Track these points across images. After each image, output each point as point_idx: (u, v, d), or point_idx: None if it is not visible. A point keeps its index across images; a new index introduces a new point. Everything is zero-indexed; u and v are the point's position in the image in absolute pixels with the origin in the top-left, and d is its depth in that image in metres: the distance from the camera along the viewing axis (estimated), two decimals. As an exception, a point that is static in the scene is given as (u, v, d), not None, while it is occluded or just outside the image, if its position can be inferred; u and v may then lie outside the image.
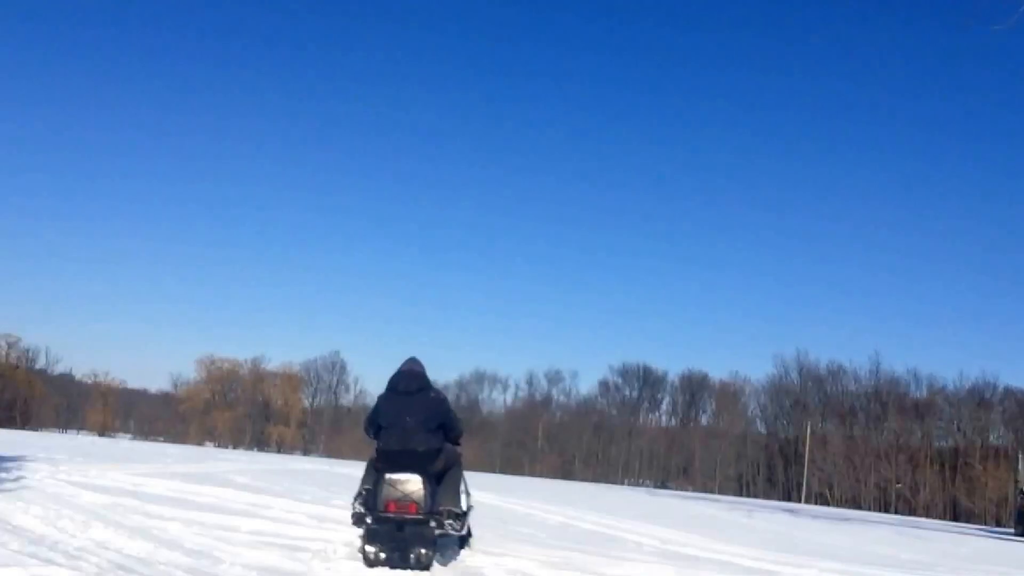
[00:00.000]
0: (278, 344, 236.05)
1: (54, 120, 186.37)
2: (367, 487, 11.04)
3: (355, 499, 11.06)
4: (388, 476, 10.81)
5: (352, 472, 41.50)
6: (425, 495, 10.70)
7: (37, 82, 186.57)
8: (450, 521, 10.89)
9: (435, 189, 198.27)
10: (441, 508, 10.90)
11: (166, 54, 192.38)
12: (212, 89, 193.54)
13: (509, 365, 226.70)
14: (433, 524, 10.68)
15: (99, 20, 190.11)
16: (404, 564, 10.47)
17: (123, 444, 65.91)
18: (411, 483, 10.70)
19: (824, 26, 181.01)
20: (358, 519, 10.84)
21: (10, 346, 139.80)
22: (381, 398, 11.82)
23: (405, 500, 10.58)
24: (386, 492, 10.67)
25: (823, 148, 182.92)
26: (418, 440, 11.11)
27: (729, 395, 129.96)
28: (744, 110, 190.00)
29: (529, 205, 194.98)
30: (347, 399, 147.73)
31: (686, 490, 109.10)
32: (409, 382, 11.70)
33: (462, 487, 11.71)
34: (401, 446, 11.09)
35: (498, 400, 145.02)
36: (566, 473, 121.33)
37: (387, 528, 10.60)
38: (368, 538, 10.74)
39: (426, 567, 10.54)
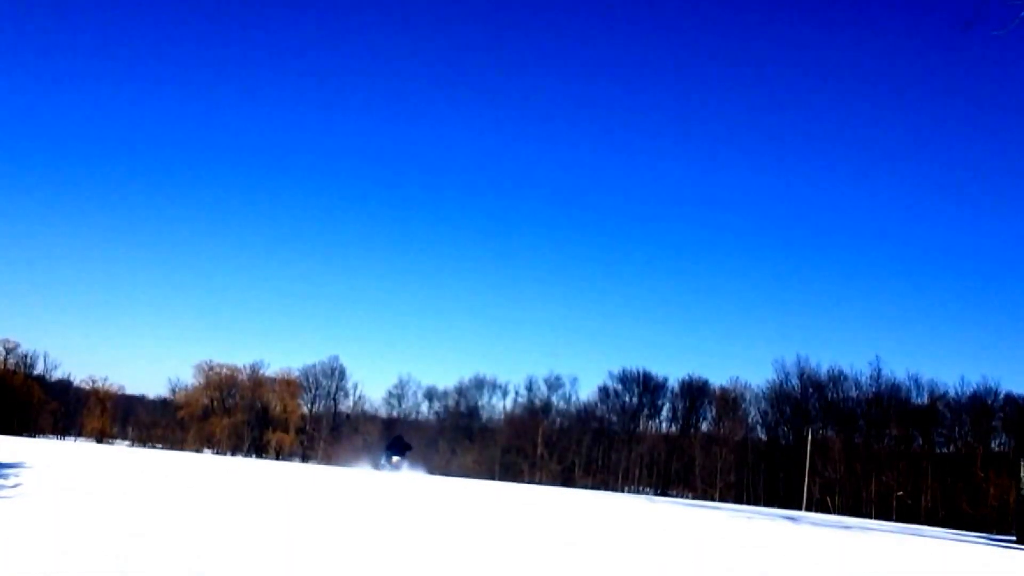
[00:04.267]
0: (277, 350, 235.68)
1: (51, 124, 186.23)
2: (384, 457, 55.02)
3: (381, 460, 55.80)
4: (393, 457, 53.71)
5: (350, 480, 41.58)
6: (400, 461, 53.38)
7: (35, 84, 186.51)
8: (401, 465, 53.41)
9: (433, 194, 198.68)
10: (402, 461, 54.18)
11: (163, 56, 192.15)
12: (211, 94, 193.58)
13: (509, 371, 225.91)
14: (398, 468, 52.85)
15: (89, 20, 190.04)
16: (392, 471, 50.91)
17: (121, 450, 65.93)
18: (399, 458, 53.48)
19: (822, 30, 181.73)
20: (380, 467, 54.88)
21: (8, 351, 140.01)
22: (391, 442, 59.89)
23: (398, 461, 53.09)
24: (393, 459, 53.48)
25: (823, 151, 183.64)
26: (404, 448, 55.73)
27: (729, 401, 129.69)
28: (744, 113, 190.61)
29: (529, 210, 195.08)
30: (346, 405, 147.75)
31: (686, 497, 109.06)
32: (401, 439, 59.40)
33: (405, 459, 54.48)
34: (399, 447, 55.54)
35: (497, 406, 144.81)
36: (566, 480, 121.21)
37: (389, 467, 52.96)
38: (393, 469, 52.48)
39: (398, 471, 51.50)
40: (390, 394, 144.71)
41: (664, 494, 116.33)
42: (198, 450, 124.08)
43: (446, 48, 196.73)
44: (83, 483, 21.46)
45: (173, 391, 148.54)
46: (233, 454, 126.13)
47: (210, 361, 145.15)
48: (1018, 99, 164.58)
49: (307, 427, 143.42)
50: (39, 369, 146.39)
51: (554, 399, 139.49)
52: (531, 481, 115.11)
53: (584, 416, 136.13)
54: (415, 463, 57.92)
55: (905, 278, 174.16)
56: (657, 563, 16.09)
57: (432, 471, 74.78)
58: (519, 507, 31.08)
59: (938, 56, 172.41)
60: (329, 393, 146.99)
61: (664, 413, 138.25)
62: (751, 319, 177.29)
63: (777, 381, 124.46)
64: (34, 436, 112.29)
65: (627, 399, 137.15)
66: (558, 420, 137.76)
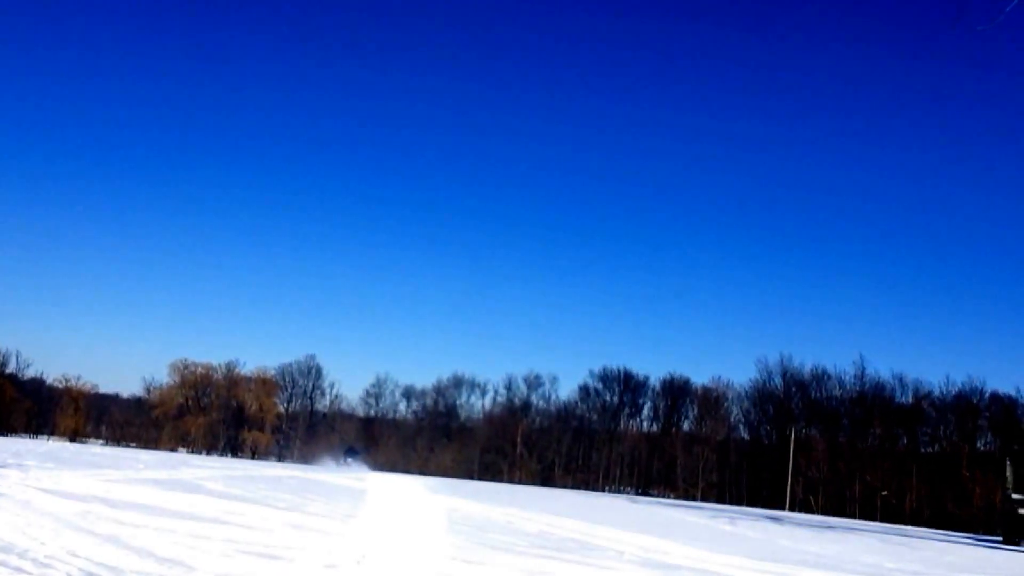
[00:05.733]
0: (253, 348, 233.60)
1: (17, 118, 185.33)
2: (343, 458, 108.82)
3: (343, 458, 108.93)
4: (348, 458, 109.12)
5: (326, 479, 41.50)
6: (352, 461, 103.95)
7: (13, 84, 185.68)
8: (353, 465, 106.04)
9: (412, 191, 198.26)
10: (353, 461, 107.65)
11: (147, 55, 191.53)
12: (187, 89, 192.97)
13: (488, 370, 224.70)
14: (351, 467, 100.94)
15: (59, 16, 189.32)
16: (350, 471, 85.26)
17: (94, 450, 65.74)
18: (351, 460, 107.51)
19: (802, 25, 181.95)
20: (340, 464, 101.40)
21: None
22: (347, 449, 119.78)
23: (354, 461, 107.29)
24: (350, 458, 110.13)
25: (807, 150, 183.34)
26: (355, 452, 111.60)
27: (711, 400, 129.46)
28: (726, 110, 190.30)
29: (508, 208, 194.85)
30: (323, 404, 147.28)
31: (668, 497, 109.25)
32: (352, 447, 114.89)
33: (356, 460, 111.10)
34: (352, 451, 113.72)
35: (476, 405, 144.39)
36: (546, 480, 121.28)
37: (348, 464, 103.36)
38: (347, 466, 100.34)
39: (351, 469, 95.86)
40: (367, 393, 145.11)
41: (645, 494, 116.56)
42: (173, 449, 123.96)
43: (422, 43, 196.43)
44: (59, 482, 21.37)
45: (147, 390, 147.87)
46: (208, 453, 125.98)
47: (185, 360, 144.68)
48: (1003, 95, 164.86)
49: (283, 426, 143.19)
50: (11, 368, 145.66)
51: (534, 398, 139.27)
52: (511, 480, 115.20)
53: (564, 415, 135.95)
54: (361, 463, 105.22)
55: (890, 276, 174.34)
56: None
57: (374, 468, 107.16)
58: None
59: (923, 52, 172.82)
60: (305, 392, 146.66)
61: (645, 412, 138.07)
62: (734, 317, 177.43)
63: (760, 380, 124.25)
64: (6, 435, 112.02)
65: (607, 398, 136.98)
66: (538, 419, 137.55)
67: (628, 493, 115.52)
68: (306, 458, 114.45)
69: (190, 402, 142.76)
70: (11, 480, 20.17)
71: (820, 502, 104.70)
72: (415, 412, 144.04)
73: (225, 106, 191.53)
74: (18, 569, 9.83)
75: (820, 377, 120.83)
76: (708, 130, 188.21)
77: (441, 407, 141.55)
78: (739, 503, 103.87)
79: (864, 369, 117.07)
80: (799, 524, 49.23)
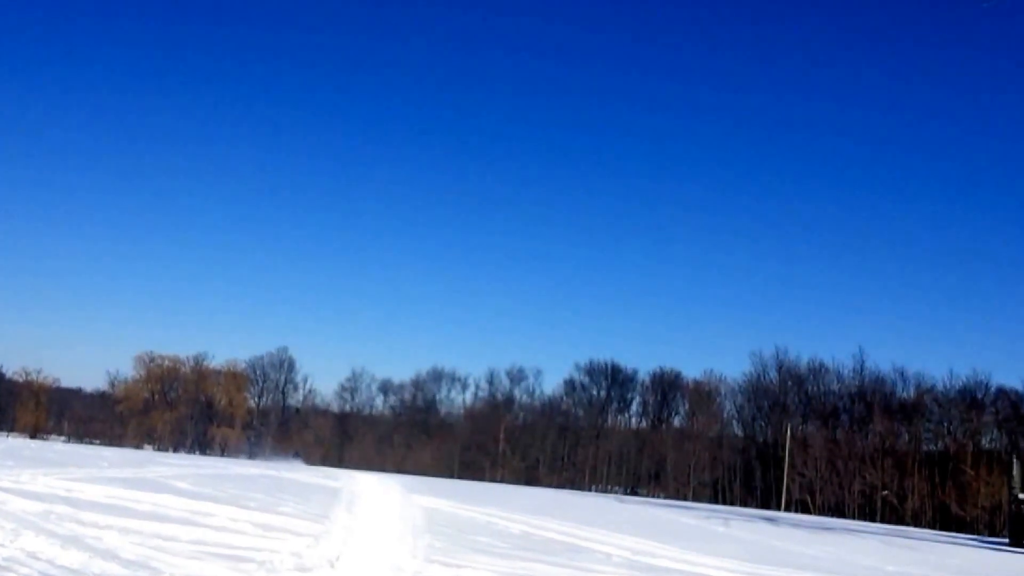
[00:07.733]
0: (222, 340, 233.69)
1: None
2: (291, 456, 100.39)
3: (290, 458, 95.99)
4: (292, 459, 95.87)
5: (298, 478, 41.50)
6: (297, 459, 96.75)
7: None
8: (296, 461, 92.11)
9: (390, 176, 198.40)
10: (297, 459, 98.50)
11: (130, 53, 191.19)
12: (164, 87, 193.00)
13: (469, 363, 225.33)
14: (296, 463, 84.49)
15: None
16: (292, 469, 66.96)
17: (56, 447, 65.63)
18: (295, 458, 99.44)
19: (796, 13, 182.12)
20: (291, 463, 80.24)
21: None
22: (294, 453, 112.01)
23: (295, 460, 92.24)
24: (293, 459, 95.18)
25: (803, 138, 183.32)
26: (300, 453, 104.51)
27: (703, 395, 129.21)
28: (719, 104, 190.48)
29: (490, 197, 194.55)
30: (295, 399, 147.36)
31: (658, 496, 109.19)
32: (298, 451, 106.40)
33: (299, 458, 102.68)
34: (295, 456, 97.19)
35: (457, 400, 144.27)
36: (530, 478, 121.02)
37: (293, 462, 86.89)
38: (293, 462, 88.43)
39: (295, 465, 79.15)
40: (343, 387, 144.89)
41: (634, 493, 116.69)
42: (138, 446, 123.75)
43: (410, 32, 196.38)
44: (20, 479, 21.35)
45: (112, 384, 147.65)
46: (176, 450, 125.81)
47: (151, 352, 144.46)
48: (1009, 80, 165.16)
49: (254, 422, 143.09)
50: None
51: (517, 393, 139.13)
52: (493, 479, 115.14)
53: (549, 411, 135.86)
54: (298, 459, 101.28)
55: (890, 265, 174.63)
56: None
57: (313, 463, 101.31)
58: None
59: (924, 34, 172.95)
60: (278, 386, 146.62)
61: (634, 407, 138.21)
62: (726, 307, 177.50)
63: (754, 373, 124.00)
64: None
65: (594, 392, 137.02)
66: (521, 415, 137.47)
67: (616, 492, 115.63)
68: (265, 456, 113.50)
69: (156, 397, 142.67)
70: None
71: (817, 502, 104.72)
72: (392, 407, 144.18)
73: (191, 88, 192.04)
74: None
75: (817, 371, 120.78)
76: (698, 112, 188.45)
77: (420, 402, 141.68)
78: (732, 503, 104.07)
79: (863, 362, 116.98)
80: (795, 525, 49.33)
